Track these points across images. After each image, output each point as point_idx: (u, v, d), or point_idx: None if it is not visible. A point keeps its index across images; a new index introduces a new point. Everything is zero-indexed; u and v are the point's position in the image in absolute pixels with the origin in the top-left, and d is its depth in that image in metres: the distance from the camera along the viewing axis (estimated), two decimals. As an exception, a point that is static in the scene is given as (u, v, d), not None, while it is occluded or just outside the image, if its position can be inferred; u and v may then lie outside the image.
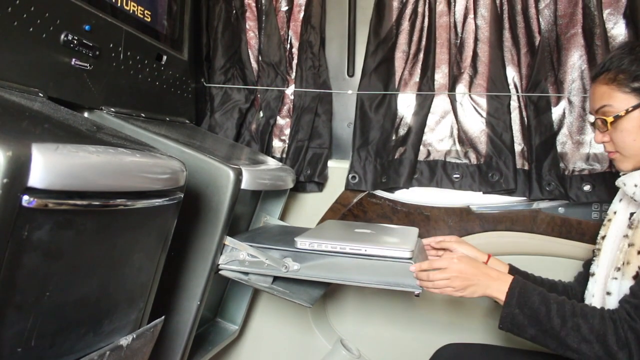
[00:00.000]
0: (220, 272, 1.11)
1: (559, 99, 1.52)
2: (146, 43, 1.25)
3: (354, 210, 1.62)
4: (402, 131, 1.61)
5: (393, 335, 1.67)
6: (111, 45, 1.10)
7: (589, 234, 1.46)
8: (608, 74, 1.00)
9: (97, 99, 1.08)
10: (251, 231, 1.42)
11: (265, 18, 1.65)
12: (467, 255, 1.11)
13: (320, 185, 1.65)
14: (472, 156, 1.57)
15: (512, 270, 1.23)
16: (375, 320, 1.69)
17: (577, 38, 1.49)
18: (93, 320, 0.73)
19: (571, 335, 0.91)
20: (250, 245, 1.09)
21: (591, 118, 1.08)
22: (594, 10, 1.44)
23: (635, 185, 0.98)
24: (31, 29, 0.87)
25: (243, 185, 1.06)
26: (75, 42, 0.97)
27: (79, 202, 0.61)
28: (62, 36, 0.94)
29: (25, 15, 0.86)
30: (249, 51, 1.66)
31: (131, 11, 1.19)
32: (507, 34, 1.53)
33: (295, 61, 1.66)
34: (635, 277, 0.93)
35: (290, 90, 1.68)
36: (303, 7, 1.65)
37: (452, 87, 1.57)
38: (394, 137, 1.60)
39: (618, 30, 1.46)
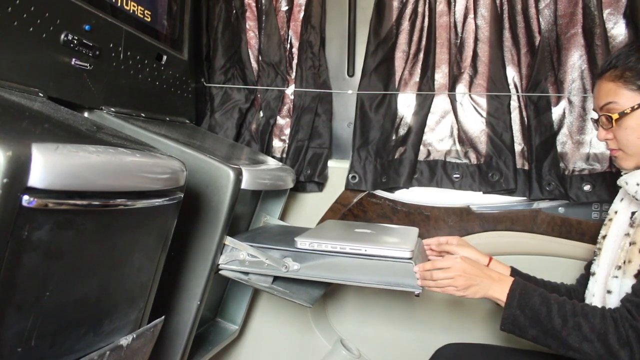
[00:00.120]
0: (220, 272, 1.11)
1: (559, 99, 1.52)
2: (146, 43, 1.25)
3: (354, 210, 1.62)
4: (402, 131, 1.61)
5: (393, 335, 1.67)
6: (111, 45, 1.10)
7: (589, 234, 1.46)
8: (615, 71, 1.00)
9: (97, 99, 1.08)
10: (251, 231, 1.42)
11: (265, 18, 1.65)
12: (468, 257, 1.11)
13: (320, 185, 1.65)
14: (472, 156, 1.57)
15: (514, 272, 1.23)
16: (375, 320, 1.69)
17: (577, 38, 1.49)
18: (93, 320, 0.73)
19: (572, 335, 0.91)
20: (251, 245, 1.09)
21: (594, 115, 1.08)
22: (594, 10, 1.44)
23: (638, 184, 0.98)
24: (31, 29, 0.87)
25: (243, 185, 1.06)
26: (75, 42, 0.97)
27: (79, 202, 0.61)
28: (62, 36, 0.94)
29: (25, 15, 0.86)
30: (249, 51, 1.66)
31: (131, 11, 1.19)
32: (507, 34, 1.53)
33: (295, 61, 1.66)
34: (636, 276, 0.93)
35: (290, 90, 1.68)
36: (303, 7, 1.65)
37: (452, 87, 1.57)
38: (394, 137, 1.60)
39: (618, 30, 1.46)
